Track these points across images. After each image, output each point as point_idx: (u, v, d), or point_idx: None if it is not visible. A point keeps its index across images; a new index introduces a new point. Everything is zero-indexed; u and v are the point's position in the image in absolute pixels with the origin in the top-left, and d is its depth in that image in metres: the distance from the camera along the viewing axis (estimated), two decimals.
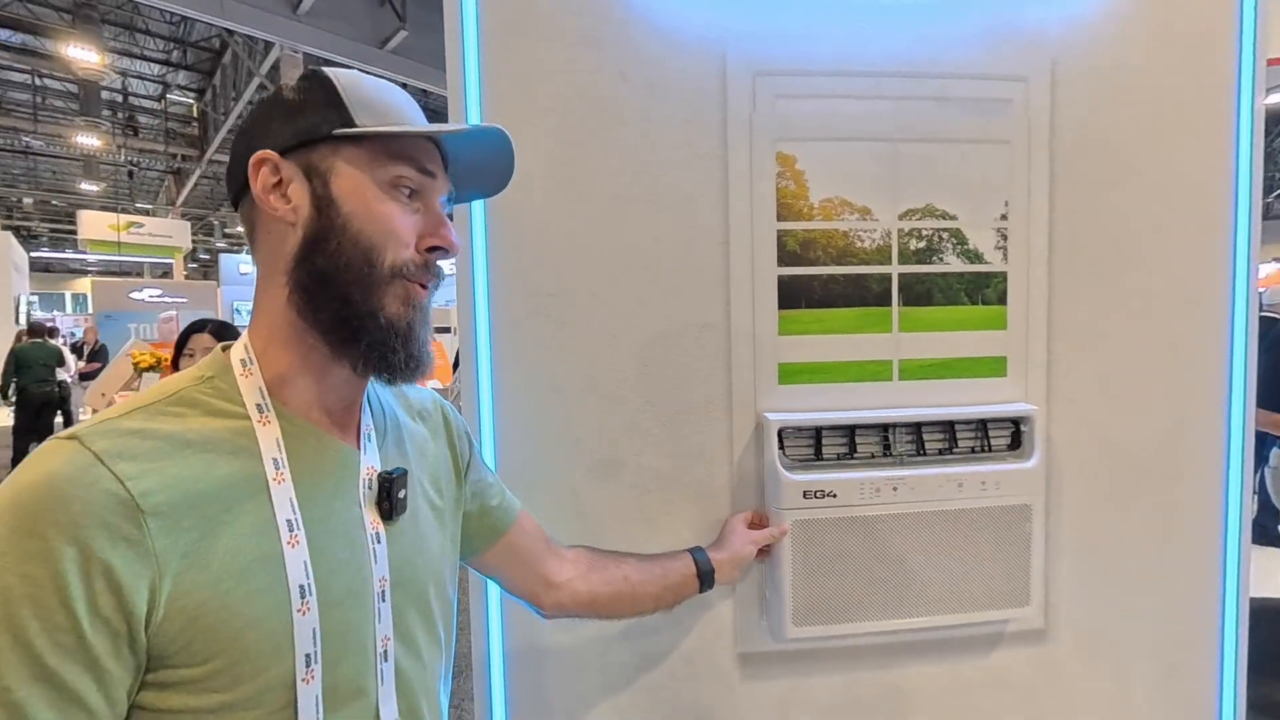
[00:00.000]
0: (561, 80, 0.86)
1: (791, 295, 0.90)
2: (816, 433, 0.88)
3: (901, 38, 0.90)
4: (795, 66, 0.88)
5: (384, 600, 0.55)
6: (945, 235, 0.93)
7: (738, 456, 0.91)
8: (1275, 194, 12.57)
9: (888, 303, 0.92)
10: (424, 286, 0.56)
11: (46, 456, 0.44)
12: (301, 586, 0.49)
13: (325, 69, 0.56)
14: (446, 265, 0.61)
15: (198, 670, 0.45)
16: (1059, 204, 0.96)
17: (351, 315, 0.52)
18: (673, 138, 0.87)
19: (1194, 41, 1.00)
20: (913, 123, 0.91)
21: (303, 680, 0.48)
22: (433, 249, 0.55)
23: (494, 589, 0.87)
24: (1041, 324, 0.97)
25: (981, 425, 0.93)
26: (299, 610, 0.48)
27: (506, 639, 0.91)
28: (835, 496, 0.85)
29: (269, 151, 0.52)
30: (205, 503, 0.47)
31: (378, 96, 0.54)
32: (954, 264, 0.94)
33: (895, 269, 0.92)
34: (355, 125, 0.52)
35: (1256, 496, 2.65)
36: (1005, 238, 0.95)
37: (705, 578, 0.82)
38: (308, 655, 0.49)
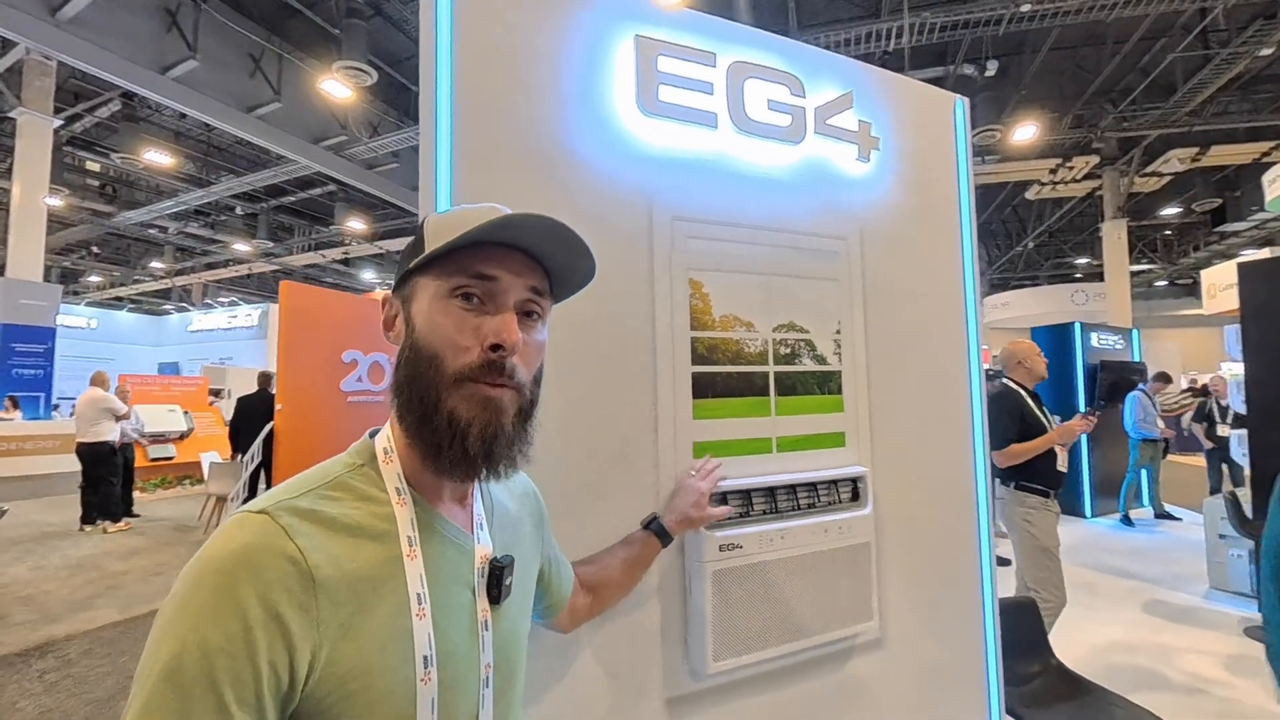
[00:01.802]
0: (520, 207, 1.03)
1: (700, 387, 1.14)
2: (723, 496, 1.11)
3: (770, 204, 1.25)
4: (700, 215, 1.17)
5: (487, 686, 0.59)
6: (802, 344, 1.27)
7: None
8: (994, 267, 16.71)
9: (767, 393, 1.22)
10: (496, 385, 0.57)
11: (240, 526, 0.50)
12: (425, 657, 0.53)
13: (429, 214, 0.64)
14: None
15: None
16: (870, 321, 1.36)
17: (424, 418, 0.56)
18: (613, 263, 1.09)
19: (937, 213, 1.52)
20: (778, 263, 1.25)
21: None
22: (495, 346, 0.58)
23: None
24: (865, 407, 1.34)
25: (833, 484, 1.24)
26: (422, 679, 0.53)
27: None
28: (741, 548, 1.08)
29: (387, 291, 0.64)
30: (357, 581, 0.52)
31: (455, 219, 0.60)
32: (809, 365, 1.27)
33: (771, 368, 1.22)
34: (425, 252, 0.59)
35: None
36: (840, 346, 1.32)
37: (665, 540, 1.00)
38: None
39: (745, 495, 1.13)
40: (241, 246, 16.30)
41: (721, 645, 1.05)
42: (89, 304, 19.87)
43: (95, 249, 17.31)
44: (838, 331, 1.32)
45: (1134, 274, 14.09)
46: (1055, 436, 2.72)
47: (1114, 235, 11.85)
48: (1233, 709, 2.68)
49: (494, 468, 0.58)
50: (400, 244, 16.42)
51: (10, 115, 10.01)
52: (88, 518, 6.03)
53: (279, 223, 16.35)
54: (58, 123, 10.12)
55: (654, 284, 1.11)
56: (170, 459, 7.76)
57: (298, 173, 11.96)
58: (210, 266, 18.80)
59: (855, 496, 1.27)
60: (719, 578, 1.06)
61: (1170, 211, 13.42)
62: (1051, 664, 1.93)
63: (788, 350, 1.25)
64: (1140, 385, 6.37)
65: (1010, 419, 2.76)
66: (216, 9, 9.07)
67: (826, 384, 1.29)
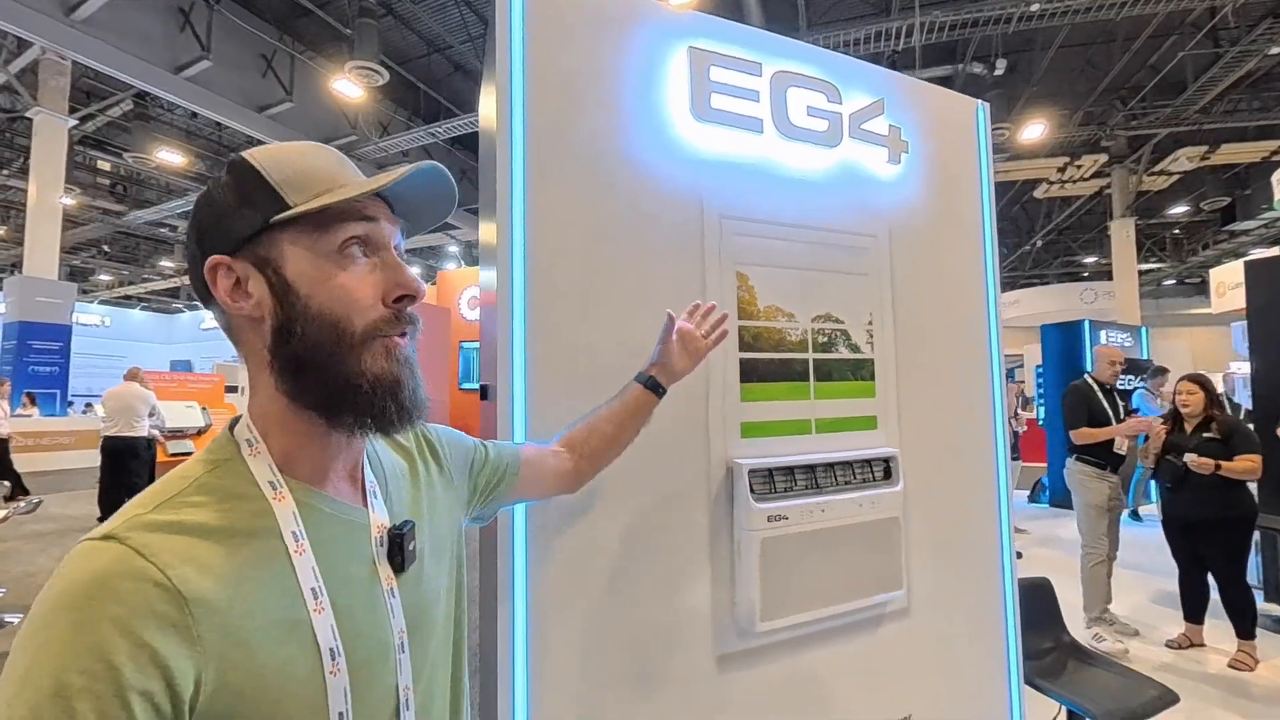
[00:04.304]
0: (585, 210, 1.13)
1: (747, 373, 1.24)
2: (770, 473, 1.21)
3: (808, 203, 1.35)
4: (746, 214, 1.26)
5: (403, 651, 0.58)
6: (838, 333, 1.36)
7: (714, 493, 1.19)
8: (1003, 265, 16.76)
9: (806, 379, 1.31)
10: (402, 335, 0.56)
11: (90, 556, 0.45)
12: (331, 650, 0.51)
13: (245, 154, 0.55)
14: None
15: None
16: (899, 313, 1.45)
17: (338, 389, 0.53)
18: (667, 258, 1.18)
19: (960, 212, 1.60)
20: (815, 258, 1.34)
21: None
22: (399, 299, 0.55)
23: (517, 602, 1.02)
24: (894, 393, 1.43)
25: (867, 463, 1.33)
26: (330, 672, 0.51)
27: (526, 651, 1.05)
28: (787, 519, 1.18)
29: (219, 256, 0.53)
30: (238, 584, 0.48)
31: (302, 165, 0.54)
32: (844, 353, 1.37)
33: (810, 356, 1.32)
34: (290, 207, 0.52)
35: None
36: (872, 335, 1.41)
37: (657, 390, 1.01)
38: (340, 714, 0.51)
39: (789, 472, 1.23)
40: None
41: (769, 607, 1.15)
42: (102, 302, 20.06)
43: (105, 248, 17.51)
44: (870, 322, 1.41)
45: (1142, 273, 14.11)
46: (1114, 430, 3.44)
47: (1122, 234, 11.88)
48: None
49: (417, 417, 0.57)
50: (409, 243, 16.46)
51: (26, 115, 10.16)
52: (108, 514, 6.03)
53: None
54: (73, 122, 10.25)
55: (705, 276, 1.21)
56: (188, 454, 7.90)
57: None
58: None
59: (887, 475, 1.36)
60: (767, 545, 1.15)
61: (1179, 210, 13.43)
62: (1064, 640, 2.02)
63: (825, 339, 1.34)
64: (1142, 382, 6.44)
65: (1080, 406, 3.54)
66: (229, 9, 9.16)
67: (860, 371, 1.39)
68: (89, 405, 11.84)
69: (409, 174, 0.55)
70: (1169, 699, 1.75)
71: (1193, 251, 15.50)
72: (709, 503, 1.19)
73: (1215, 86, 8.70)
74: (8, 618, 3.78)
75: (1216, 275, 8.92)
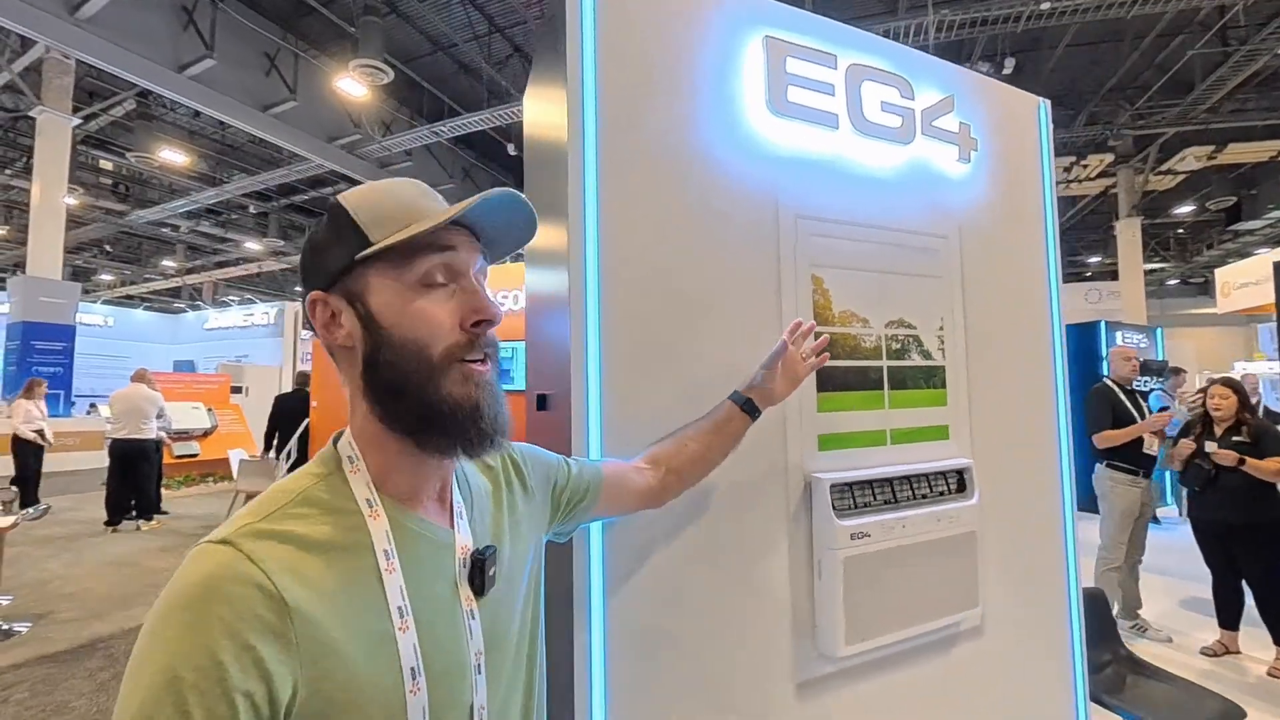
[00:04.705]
0: (657, 207, 1.06)
1: (823, 381, 1.18)
2: (849, 487, 1.15)
3: (880, 202, 1.29)
4: (820, 214, 1.20)
5: (479, 672, 0.59)
6: (910, 339, 1.30)
7: (793, 509, 1.13)
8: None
9: (881, 387, 1.25)
10: (482, 361, 0.58)
11: (203, 558, 0.49)
12: (412, 668, 0.53)
13: (338, 197, 0.59)
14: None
15: None
16: (969, 317, 1.39)
17: (423, 413, 0.56)
18: (741, 259, 1.12)
19: (1024, 212, 1.55)
20: (888, 260, 1.28)
21: None
22: (477, 324, 0.58)
23: (594, 626, 0.96)
24: (965, 401, 1.37)
25: (943, 475, 1.28)
26: (410, 690, 0.52)
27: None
28: (869, 536, 1.12)
29: (317, 291, 0.58)
30: (334, 596, 0.51)
31: (384, 203, 0.58)
32: (916, 360, 1.31)
33: (885, 363, 1.26)
34: (372, 243, 0.56)
35: None
36: (943, 341, 1.35)
37: (751, 410, 0.99)
38: None
39: (869, 485, 1.17)
40: (252, 245, 16.35)
41: (853, 630, 1.09)
42: (105, 302, 19.98)
43: (108, 248, 17.40)
44: (940, 327, 1.35)
45: (1146, 272, 14.08)
46: (1137, 428, 3.38)
47: (1128, 234, 11.84)
48: None
49: (499, 442, 0.59)
50: None
51: (29, 114, 10.07)
52: (116, 517, 5.92)
53: (289, 221, 16.40)
54: (77, 121, 10.16)
55: (780, 280, 1.15)
56: (194, 456, 7.82)
57: (310, 171, 11.98)
58: (220, 265, 18.88)
59: (961, 487, 1.30)
60: (850, 564, 1.09)
61: (1185, 210, 13.40)
62: (1121, 653, 1.97)
63: (898, 345, 1.28)
64: (1159, 383, 6.39)
65: (1103, 410, 3.50)
66: (233, 7, 9.10)
67: (931, 378, 1.33)
68: (93, 406, 11.75)
69: (479, 202, 0.56)
70: (1234, 713, 1.69)
71: (1196, 251, 15.46)
72: (787, 519, 1.12)
73: (1224, 86, 8.66)
74: (17, 627, 3.69)
75: (1222, 275, 8.87)
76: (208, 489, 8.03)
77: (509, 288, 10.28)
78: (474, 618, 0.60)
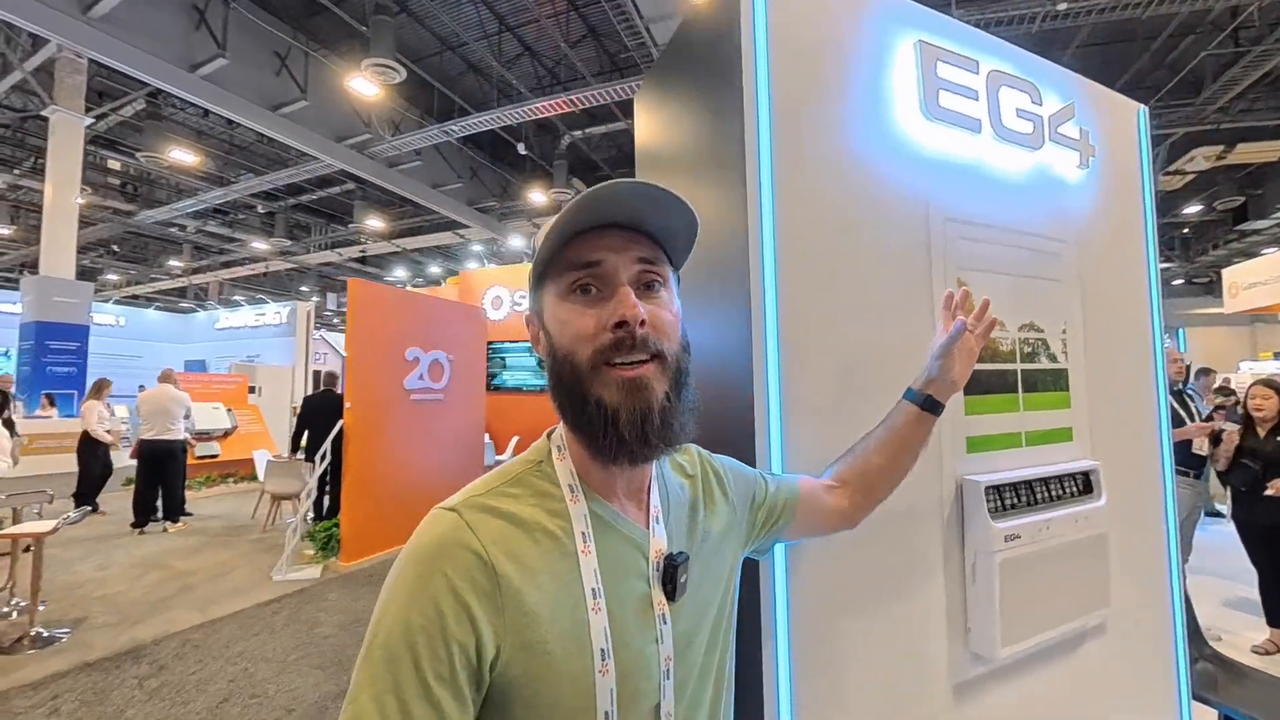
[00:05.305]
0: (821, 208, 1.07)
1: (970, 385, 1.19)
2: (998, 490, 1.16)
3: (1013, 206, 1.30)
4: (965, 217, 1.21)
5: (668, 678, 0.59)
6: (1039, 342, 1.31)
7: (946, 512, 1.15)
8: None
9: (1015, 390, 1.26)
10: (634, 364, 0.57)
11: (436, 522, 0.56)
12: (602, 650, 0.55)
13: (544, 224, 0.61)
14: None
15: (523, 711, 0.53)
16: (1088, 321, 1.41)
17: (579, 417, 0.59)
18: (897, 261, 1.13)
19: (1127, 220, 1.56)
20: (1019, 264, 1.30)
21: None
22: (619, 324, 0.57)
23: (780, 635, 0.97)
24: (1085, 403, 1.38)
25: (1073, 477, 1.29)
26: (600, 671, 0.55)
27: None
28: (1020, 538, 1.13)
29: (529, 312, 0.66)
30: (536, 574, 0.55)
31: (547, 228, 0.60)
32: (1044, 363, 1.32)
33: (1019, 366, 1.27)
34: (537, 265, 0.63)
35: None
36: (1065, 344, 1.36)
37: (931, 408, 0.91)
38: (606, 713, 0.54)
39: (1014, 488, 1.18)
40: (259, 245, 16.30)
41: (1008, 631, 1.10)
42: (116, 301, 19.90)
43: (114, 248, 17.32)
44: (1064, 331, 1.36)
45: None
46: (1188, 430, 3.46)
47: None
48: None
49: (652, 448, 0.58)
50: (417, 242, 16.42)
51: (40, 115, 10.01)
52: (144, 518, 5.89)
53: (296, 221, 16.35)
54: (89, 121, 10.11)
55: (931, 282, 1.16)
56: (215, 457, 7.78)
57: (318, 171, 11.95)
58: (226, 265, 18.81)
59: (1088, 489, 1.31)
60: (1005, 567, 1.11)
61: (1192, 210, 13.46)
62: (1207, 651, 1.99)
63: (1029, 349, 1.29)
64: (1189, 385, 6.43)
65: None
66: (244, 6, 9.07)
67: (1057, 381, 1.34)
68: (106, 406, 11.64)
69: (584, 203, 0.57)
70: None
71: (1202, 251, 15.53)
72: (942, 523, 1.14)
73: (1235, 86, 8.70)
74: (57, 633, 3.62)
75: (1230, 275, 8.91)
76: (227, 489, 8.00)
77: (525, 288, 10.26)
78: (665, 622, 0.60)
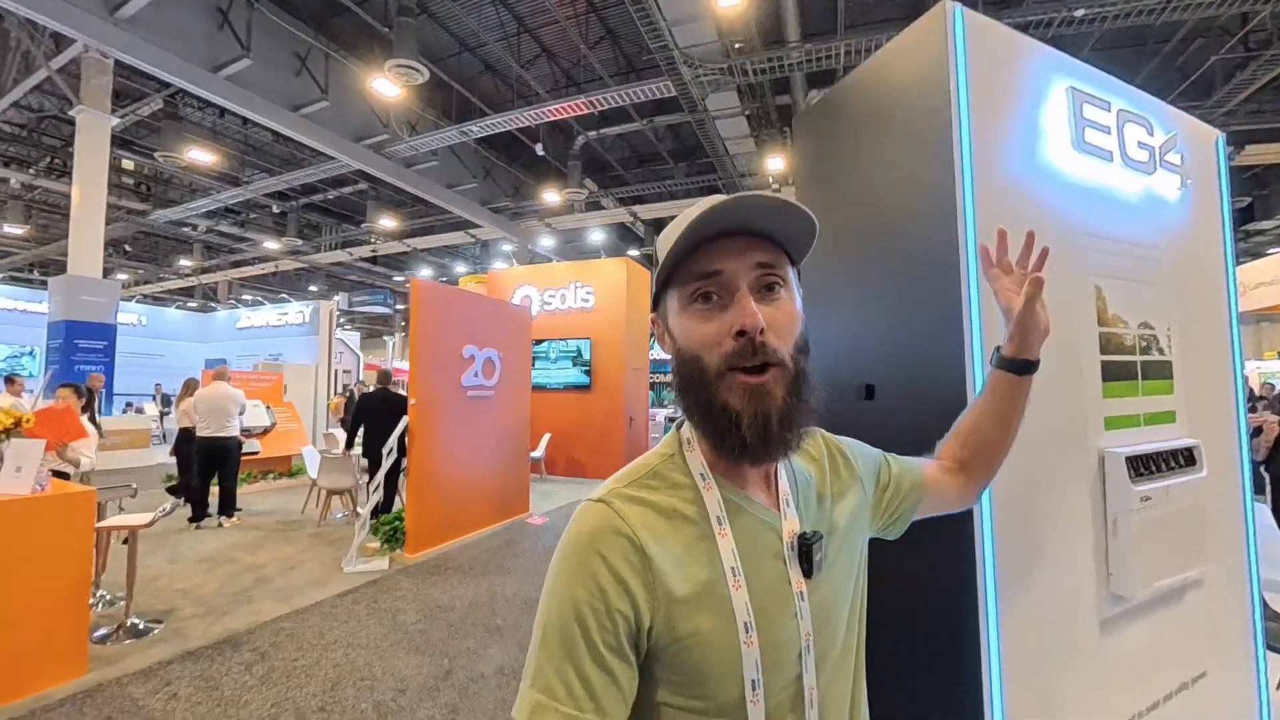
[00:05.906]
0: (1006, 219, 1.29)
1: (1104, 373, 1.42)
2: (1133, 460, 1.39)
3: (1130, 222, 1.54)
4: (1099, 233, 1.44)
5: (809, 653, 0.63)
6: (1151, 339, 1.55)
7: (1091, 481, 1.38)
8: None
9: (1136, 377, 1.49)
10: (756, 370, 0.60)
11: (588, 512, 0.61)
12: (745, 624, 0.59)
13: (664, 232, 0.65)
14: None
15: (677, 678, 0.59)
16: (1183, 320, 1.64)
17: (704, 420, 0.63)
18: (1050, 263, 1.35)
19: (1209, 231, 1.80)
20: (1134, 270, 1.53)
21: (750, 701, 0.59)
22: (740, 333, 0.60)
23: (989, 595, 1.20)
24: (1184, 391, 1.62)
25: (1181, 452, 1.52)
26: (745, 643, 0.59)
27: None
28: (1151, 499, 1.36)
29: (653, 314, 0.71)
30: (679, 556, 0.60)
31: (670, 234, 0.63)
32: (1155, 355, 1.55)
33: (1138, 358, 1.50)
34: (660, 270, 0.66)
35: None
36: (1170, 340, 1.59)
37: (1022, 369, 0.88)
38: (752, 681, 0.58)
39: (1145, 460, 1.41)
40: (271, 244, 16.39)
41: (1146, 576, 1.34)
42: (138, 300, 19.90)
43: (126, 247, 17.36)
44: (1168, 329, 1.60)
45: None
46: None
47: None
48: None
49: (772, 451, 0.61)
50: (427, 241, 16.54)
51: (63, 115, 10.09)
52: (200, 514, 6.04)
53: (308, 220, 16.44)
54: (115, 120, 10.20)
55: (1074, 288, 1.39)
56: (255, 454, 7.96)
57: (334, 171, 12.01)
58: (236, 264, 18.87)
59: (1192, 461, 1.55)
60: (1140, 523, 1.34)
61: None
62: (1269, 610, 2.23)
63: (1145, 343, 1.53)
64: None
65: None
66: (266, 7, 9.14)
67: (1163, 371, 1.57)
68: (129, 405, 11.77)
69: (705, 216, 0.60)
70: None
71: None
72: (1088, 489, 1.37)
73: (1245, 89, 8.94)
74: (150, 624, 3.70)
75: (1238, 275, 9.17)
76: (268, 485, 8.18)
77: (553, 287, 10.36)
78: (804, 599, 0.63)
